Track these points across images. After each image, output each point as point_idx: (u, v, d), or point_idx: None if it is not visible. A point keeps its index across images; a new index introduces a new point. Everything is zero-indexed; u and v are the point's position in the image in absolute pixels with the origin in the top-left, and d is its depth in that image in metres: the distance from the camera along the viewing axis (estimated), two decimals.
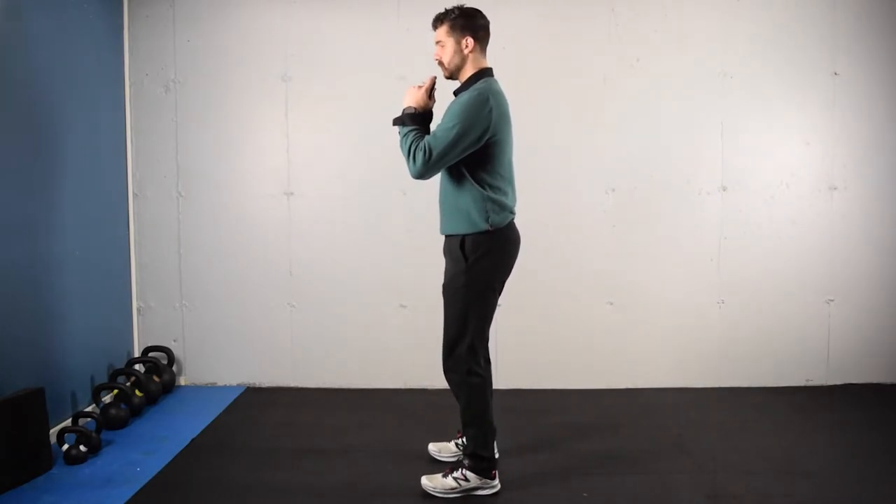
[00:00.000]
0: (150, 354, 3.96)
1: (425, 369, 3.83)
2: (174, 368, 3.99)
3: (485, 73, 2.65)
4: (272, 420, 3.52)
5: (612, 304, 3.94)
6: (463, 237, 2.61)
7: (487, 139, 2.55)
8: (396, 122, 2.66)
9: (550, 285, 3.91)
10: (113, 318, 3.83)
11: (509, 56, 3.57)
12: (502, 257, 2.67)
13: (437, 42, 2.68)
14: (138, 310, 4.04)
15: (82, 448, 3.02)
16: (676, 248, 3.91)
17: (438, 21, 2.67)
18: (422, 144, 2.53)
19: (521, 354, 3.92)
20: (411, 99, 2.66)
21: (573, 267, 3.92)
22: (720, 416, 3.53)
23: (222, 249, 3.99)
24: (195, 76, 3.93)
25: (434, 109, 2.70)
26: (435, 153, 2.51)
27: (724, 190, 3.89)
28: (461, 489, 2.68)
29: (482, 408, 2.68)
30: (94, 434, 3.09)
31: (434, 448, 3.06)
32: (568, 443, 3.20)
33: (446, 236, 2.72)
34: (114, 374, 3.65)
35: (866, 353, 3.93)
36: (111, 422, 3.38)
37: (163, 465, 2.98)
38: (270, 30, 3.91)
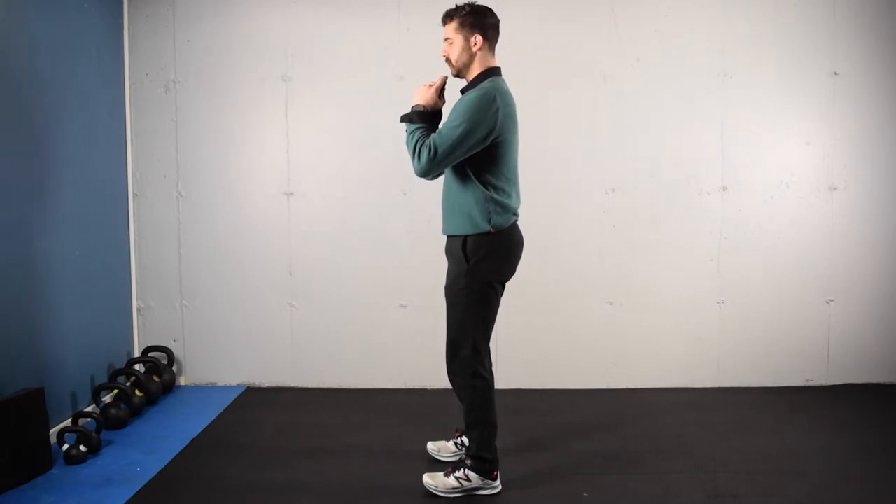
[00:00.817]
0: (150, 354, 3.96)
1: (425, 369, 3.84)
2: (174, 368, 3.98)
3: (493, 72, 2.63)
4: (272, 420, 3.52)
5: (611, 304, 3.94)
6: (464, 238, 2.60)
7: (493, 139, 2.53)
8: (404, 118, 2.64)
9: (550, 285, 3.91)
10: (113, 318, 3.83)
11: (509, 56, 3.54)
12: (504, 259, 2.66)
13: (446, 39, 2.64)
14: (138, 310, 4.04)
15: (82, 448, 3.02)
16: (676, 248, 3.91)
17: (448, 17, 2.62)
18: (427, 142, 2.52)
19: (522, 354, 3.92)
20: (421, 97, 2.64)
21: (573, 267, 3.92)
22: (720, 416, 3.53)
23: (222, 249, 3.99)
24: (195, 76, 3.93)
25: (442, 109, 2.69)
26: (440, 151, 2.49)
27: (724, 190, 3.89)
28: (463, 489, 2.68)
29: (486, 410, 2.68)
30: (94, 434, 3.09)
31: (433, 447, 3.06)
32: (568, 443, 3.20)
33: (448, 237, 2.71)
34: (114, 374, 3.65)
35: (866, 353, 3.93)
36: (111, 422, 3.37)
37: (163, 464, 2.98)
38: (270, 30, 3.91)
